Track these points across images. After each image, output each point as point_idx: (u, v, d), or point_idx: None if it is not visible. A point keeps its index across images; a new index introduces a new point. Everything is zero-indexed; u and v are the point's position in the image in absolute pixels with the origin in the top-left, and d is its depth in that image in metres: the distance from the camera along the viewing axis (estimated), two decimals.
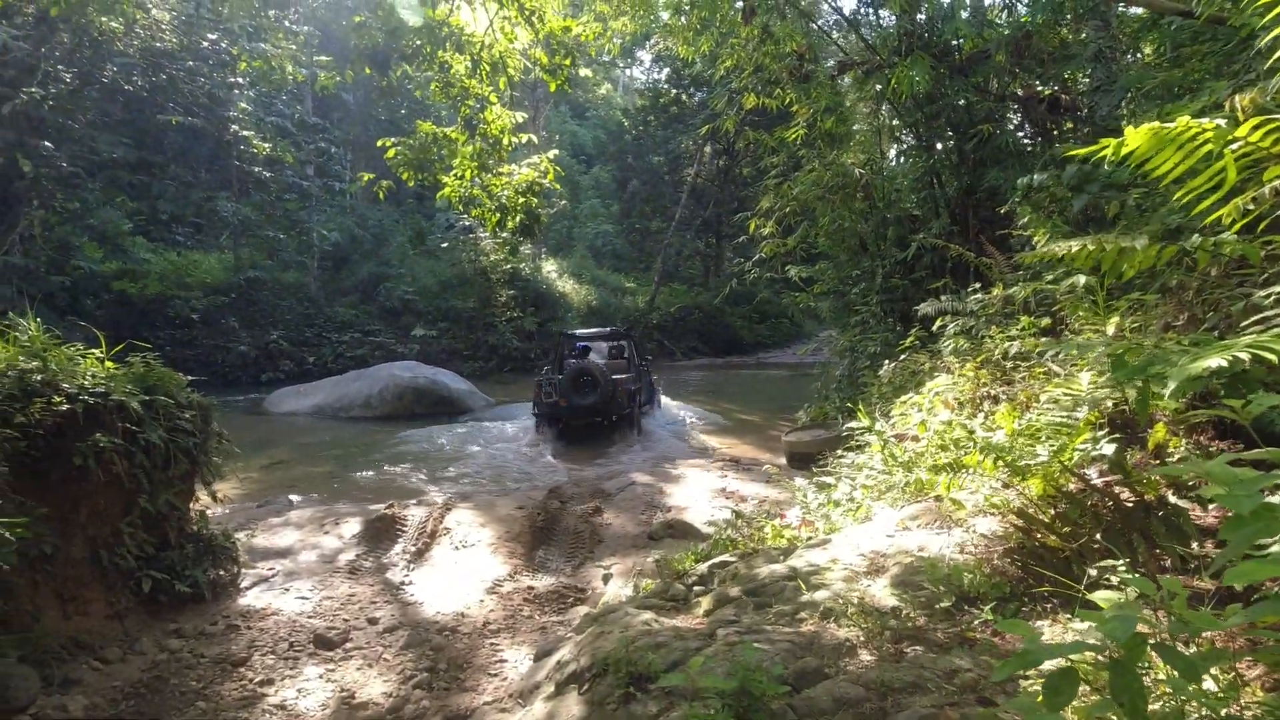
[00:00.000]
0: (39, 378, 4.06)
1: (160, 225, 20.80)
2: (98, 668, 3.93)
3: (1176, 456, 2.73)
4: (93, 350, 4.65)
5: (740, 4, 8.93)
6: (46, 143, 14.88)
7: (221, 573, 5.07)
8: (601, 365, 11.05)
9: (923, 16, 8.40)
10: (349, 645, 4.43)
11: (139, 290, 18.17)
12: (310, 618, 4.77)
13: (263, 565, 5.64)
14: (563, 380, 10.46)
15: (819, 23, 10.76)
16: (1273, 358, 1.56)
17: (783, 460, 9.41)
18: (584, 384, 10.40)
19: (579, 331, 13.30)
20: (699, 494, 7.90)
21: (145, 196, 19.50)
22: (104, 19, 12.73)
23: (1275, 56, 1.88)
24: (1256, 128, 1.75)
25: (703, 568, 3.90)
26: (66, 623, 4.06)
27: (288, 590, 5.20)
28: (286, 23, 8.91)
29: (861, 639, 2.46)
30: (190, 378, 5.16)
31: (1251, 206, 2.05)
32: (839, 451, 5.67)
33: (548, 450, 10.54)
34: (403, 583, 5.45)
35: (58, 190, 15.90)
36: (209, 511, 5.35)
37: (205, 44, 17.27)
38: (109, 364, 4.63)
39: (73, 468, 4.10)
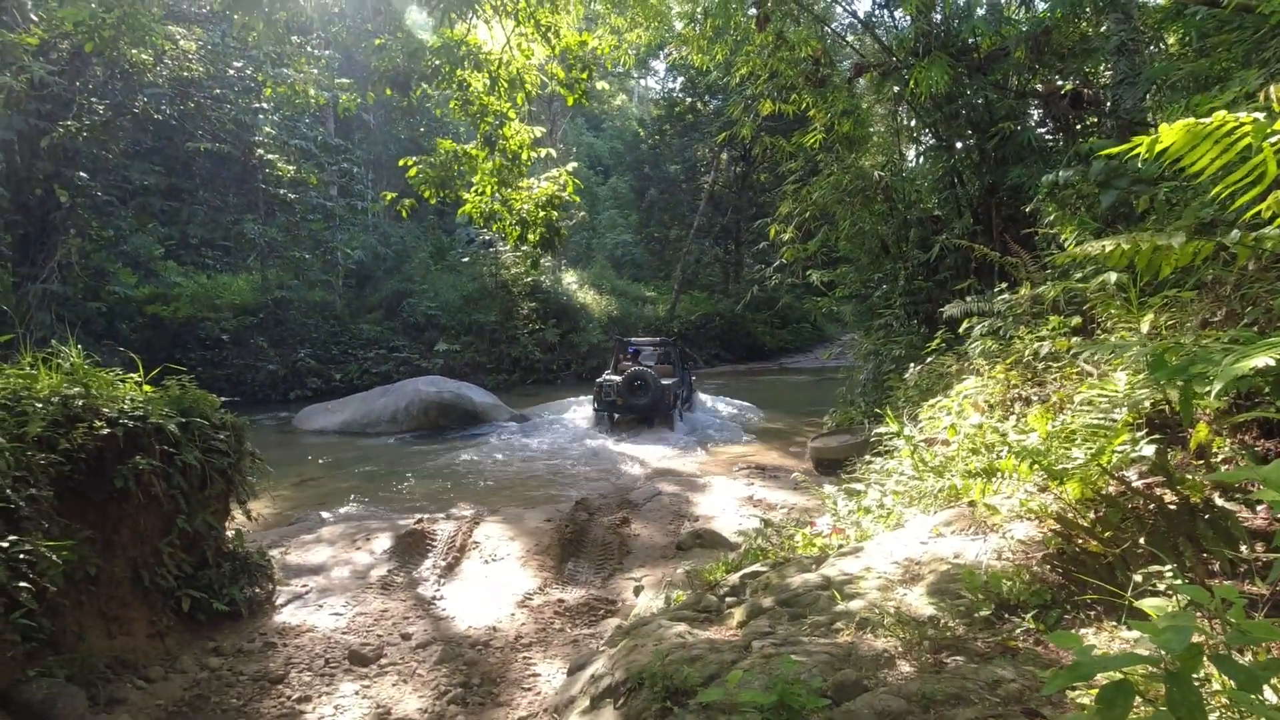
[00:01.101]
0: (81, 403, 4.17)
1: (190, 249, 21.31)
2: (141, 686, 4.00)
3: (1220, 457, 2.65)
4: (130, 374, 4.77)
5: (754, 11, 8.95)
6: (82, 173, 15.34)
7: (257, 590, 5.14)
8: (652, 371, 12.85)
9: (939, 16, 8.35)
10: (383, 661, 4.47)
11: (171, 313, 18.61)
12: (345, 634, 4.82)
13: (296, 582, 5.71)
14: (621, 383, 12.51)
15: (833, 26, 10.73)
16: None
17: (809, 466, 9.34)
18: (638, 387, 12.45)
19: (633, 339, 15.30)
20: (726, 502, 7.86)
21: (175, 222, 20.00)
22: (135, 51, 13.12)
23: None
24: None
25: (734, 578, 3.87)
26: (110, 642, 4.15)
27: (322, 606, 5.26)
28: (309, 48, 9.11)
29: (900, 649, 2.42)
30: (222, 398, 5.27)
31: None
32: (867, 457, 5.61)
33: (607, 437, 12.67)
34: (434, 597, 5.49)
35: (93, 219, 16.37)
36: (244, 530, 5.44)
37: (231, 72, 17.70)
38: (146, 387, 4.74)
39: (113, 490, 4.20)
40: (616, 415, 12.93)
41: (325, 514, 8.13)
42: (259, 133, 19.06)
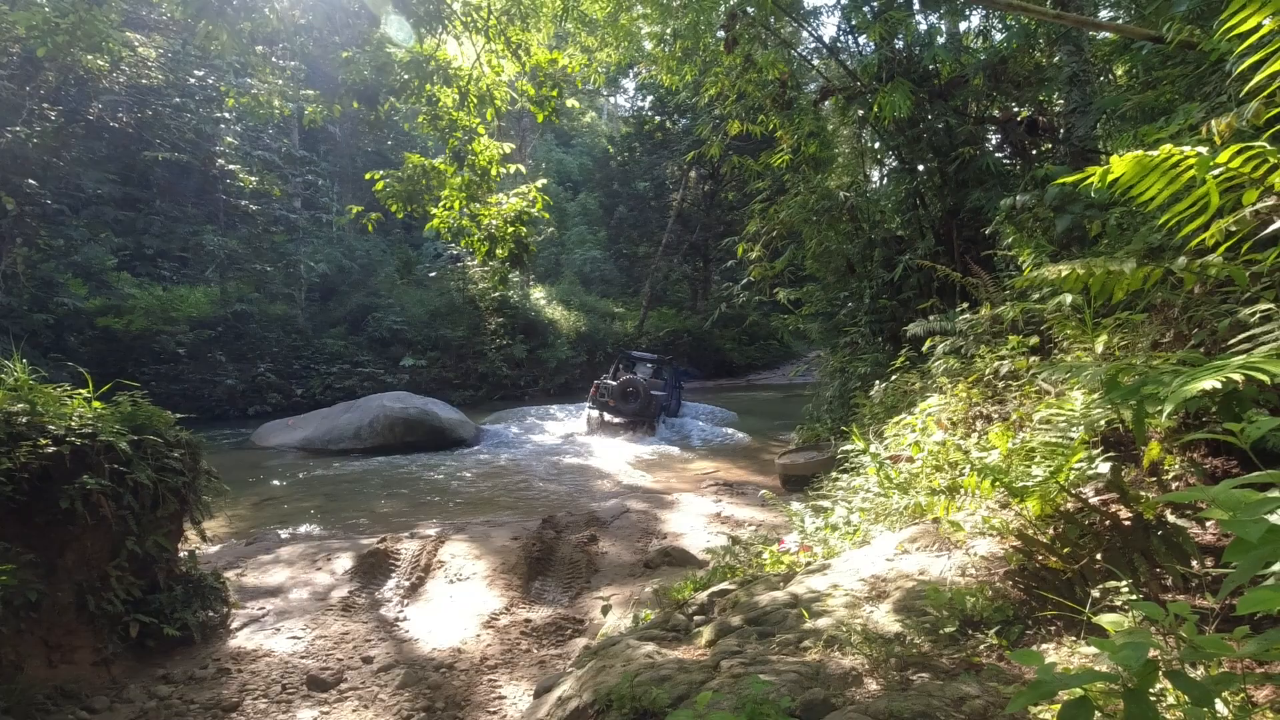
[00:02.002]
0: (25, 420, 4.01)
1: (146, 260, 20.70)
2: (84, 718, 3.82)
3: (1171, 474, 2.75)
4: (80, 390, 4.60)
5: (722, 34, 9.11)
6: (31, 180, 14.83)
7: (211, 614, 4.97)
8: (644, 382, 14.51)
9: (901, 43, 8.61)
10: (344, 686, 4.34)
11: (124, 326, 17.99)
12: (303, 658, 4.67)
13: (253, 605, 5.53)
14: (615, 388, 14.28)
15: (800, 50, 10.97)
16: (1265, 378, 1.58)
17: (777, 482, 9.40)
18: (629, 394, 14.21)
19: (635, 352, 17.54)
20: (694, 520, 7.86)
21: (130, 232, 19.42)
22: (90, 57, 12.78)
23: (1251, 84, 1.94)
24: (1237, 153, 1.80)
25: (702, 596, 3.86)
26: (52, 671, 3.96)
27: (279, 630, 5.10)
28: (274, 59, 8.98)
29: (867, 667, 2.44)
30: (178, 414, 5.10)
31: (1234, 229, 2.09)
32: (834, 474, 5.67)
33: (599, 432, 14.50)
34: (397, 619, 5.36)
35: (41, 227, 15.82)
36: (198, 551, 5.26)
37: (192, 80, 17.36)
38: (96, 403, 4.57)
39: (59, 511, 4.03)
40: (607, 415, 14.58)
41: (285, 533, 7.91)
42: (220, 143, 18.69)
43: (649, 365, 16.34)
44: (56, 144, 15.13)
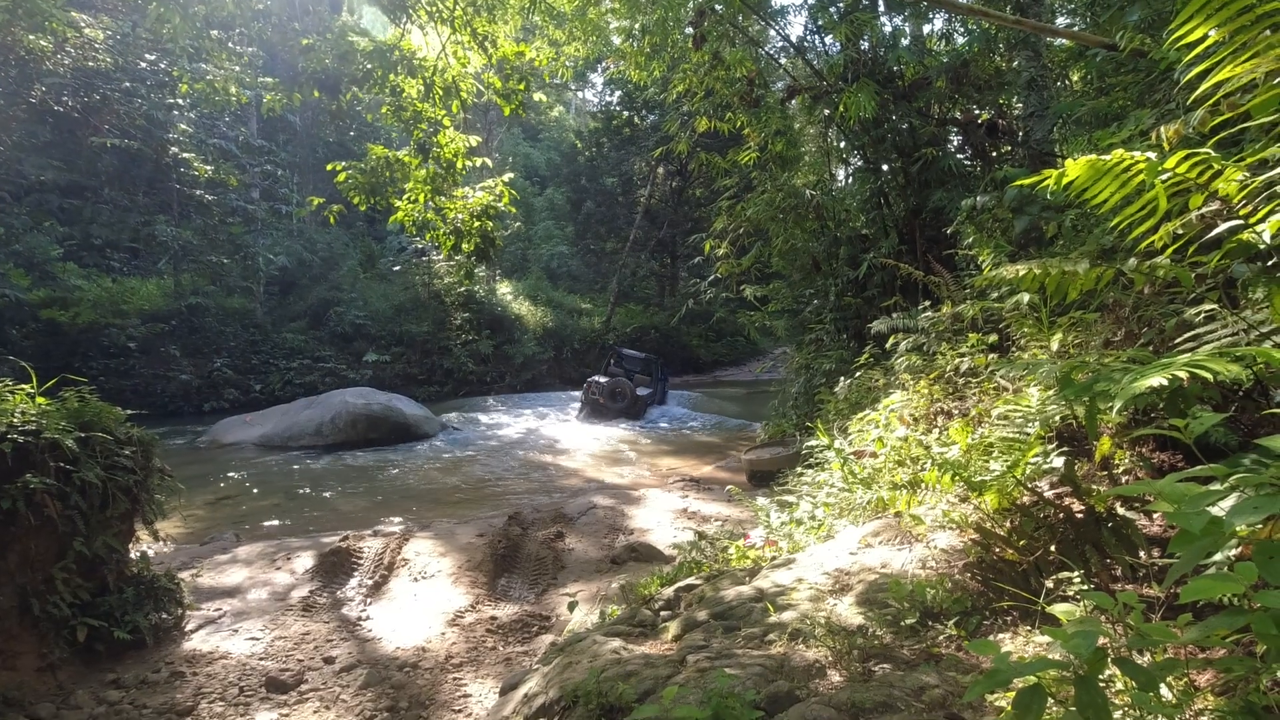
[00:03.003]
0: None
1: (94, 251, 19.89)
2: None
3: (1121, 468, 2.84)
4: (22, 385, 4.41)
5: (690, 30, 9.13)
6: None
7: (165, 616, 4.82)
8: (630, 383, 16.13)
9: (866, 44, 8.73)
10: (304, 687, 4.25)
11: (70, 319, 17.28)
12: (262, 659, 4.57)
13: (209, 606, 5.38)
14: (605, 386, 15.92)
15: (767, 49, 11.05)
16: (1208, 375, 1.65)
17: (743, 478, 9.49)
18: (618, 394, 15.83)
19: (624, 350, 18.82)
20: (661, 516, 7.88)
21: (77, 221, 18.65)
22: (32, 37, 12.23)
23: (1197, 92, 2.01)
24: (1184, 159, 1.87)
25: (669, 591, 3.88)
26: None
27: (237, 631, 4.97)
28: (230, 44, 8.70)
29: (830, 659, 2.48)
30: (129, 411, 4.93)
31: (1181, 231, 2.17)
32: (799, 469, 5.75)
33: (585, 421, 15.98)
34: (360, 618, 5.27)
35: None
36: (150, 552, 5.10)
37: (143, 65, 16.72)
38: (40, 399, 4.39)
39: (0, 512, 3.86)
40: (595, 412, 16.03)
41: (242, 533, 7.70)
42: (173, 130, 18.05)
43: (638, 361, 18.06)
44: None
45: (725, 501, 8.31)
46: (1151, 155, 1.88)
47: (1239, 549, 1.55)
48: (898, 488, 3.72)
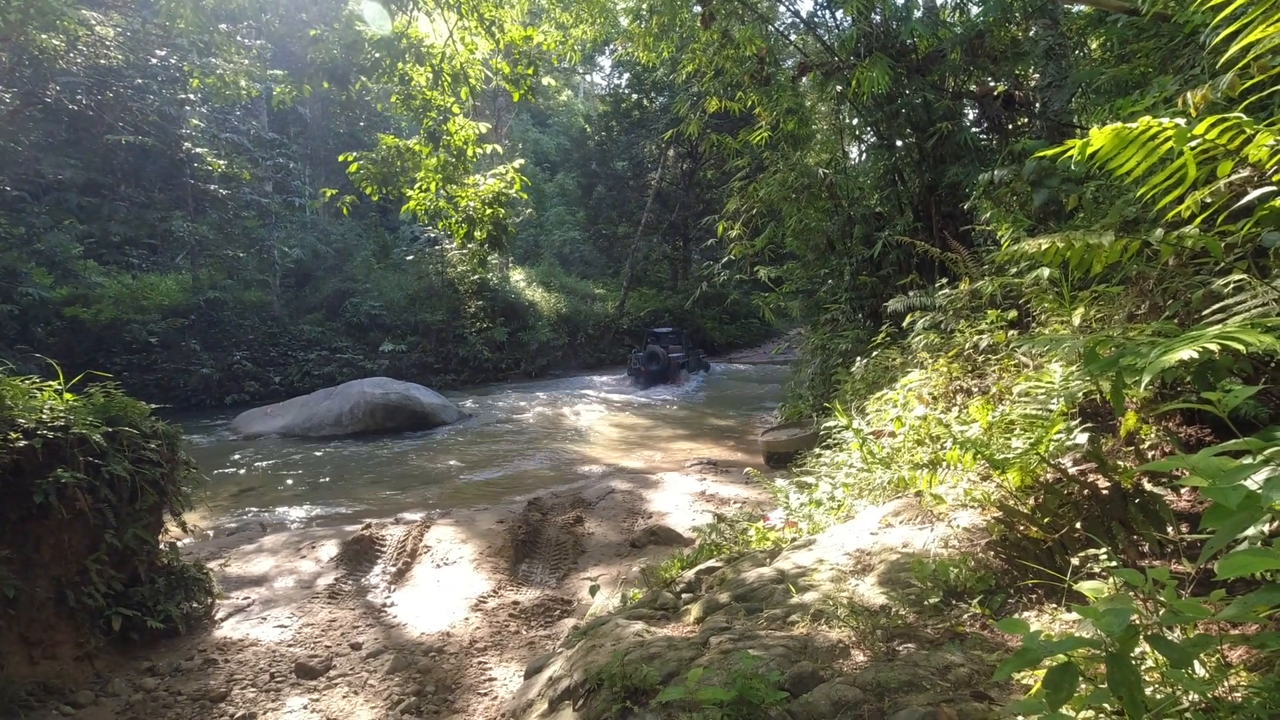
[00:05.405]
0: None
1: (112, 248, 20.14)
2: (69, 713, 3.78)
3: (1147, 443, 2.80)
4: (49, 382, 4.48)
5: (699, 9, 9.00)
6: None
7: (195, 605, 4.92)
8: (664, 350, 19.79)
9: (878, 17, 8.55)
10: (332, 673, 4.33)
11: (93, 316, 17.55)
12: (290, 646, 4.65)
13: (238, 595, 5.49)
14: (643, 356, 19.83)
15: (777, 25, 10.87)
16: (1240, 348, 1.61)
17: (760, 460, 9.48)
18: (654, 358, 19.57)
19: (657, 330, 21.99)
20: (679, 499, 7.91)
21: (95, 219, 18.85)
22: (45, 36, 12.30)
23: (1225, 55, 1.95)
24: (1213, 125, 1.81)
25: (690, 574, 3.89)
26: (33, 668, 3.90)
27: (265, 619, 5.07)
28: (239, 37, 8.69)
29: (854, 639, 2.48)
30: (152, 405, 5.00)
31: (1209, 200, 2.12)
32: (817, 450, 5.73)
33: (630, 388, 19.43)
34: (384, 604, 5.35)
35: (1, 215, 15.33)
36: (179, 543, 5.19)
37: (154, 61, 16.76)
38: (68, 395, 4.47)
39: (33, 506, 3.94)
40: (639, 377, 19.71)
41: (267, 522, 7.83)
42: (186, 125, 18.14)
43: (668, 336, 21.25)
44: (13, 128, 14.61)
45: (743, 484, 8.31)
46: (1180, 121, 1.82)
47: (1274, 524, 1.52)
48: (918, 467, 3.70)
